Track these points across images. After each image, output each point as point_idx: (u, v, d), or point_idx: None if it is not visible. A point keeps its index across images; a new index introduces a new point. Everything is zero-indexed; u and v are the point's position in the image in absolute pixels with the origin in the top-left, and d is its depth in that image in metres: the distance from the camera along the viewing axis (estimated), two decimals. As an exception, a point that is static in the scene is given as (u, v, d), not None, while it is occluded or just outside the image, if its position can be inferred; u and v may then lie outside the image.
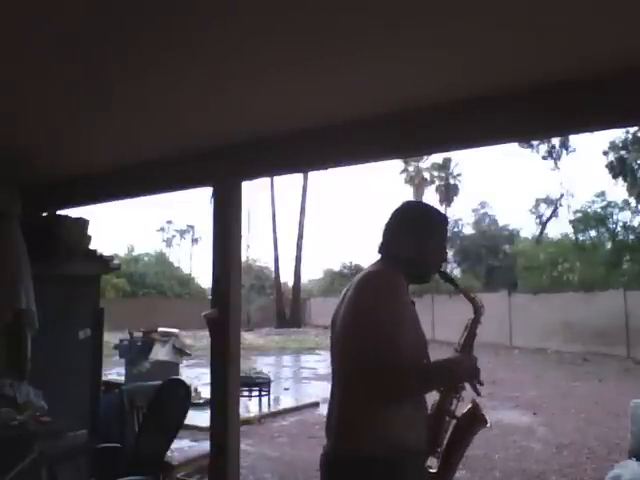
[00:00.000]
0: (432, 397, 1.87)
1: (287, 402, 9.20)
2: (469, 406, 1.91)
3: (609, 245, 21.49)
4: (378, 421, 1.67)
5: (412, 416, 1.73)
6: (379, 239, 1.92)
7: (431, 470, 1.83)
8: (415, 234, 1.85)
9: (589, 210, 22.32)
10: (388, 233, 1.90)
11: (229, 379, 2.77)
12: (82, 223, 3.87)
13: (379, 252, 1.90)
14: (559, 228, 47.10)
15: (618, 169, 20.86)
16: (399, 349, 1.63)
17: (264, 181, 30.99)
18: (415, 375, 1.68)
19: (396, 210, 1.93)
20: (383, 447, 1.66)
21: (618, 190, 30.52)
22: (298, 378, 12.03)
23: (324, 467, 1.78)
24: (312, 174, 29.77)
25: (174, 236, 55.97)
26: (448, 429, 1.85)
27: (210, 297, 2.95)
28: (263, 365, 13.08)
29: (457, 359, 1.87)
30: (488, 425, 1.89)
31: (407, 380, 1.66)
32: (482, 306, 1.96)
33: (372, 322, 1.67)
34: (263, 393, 8.33)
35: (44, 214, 3.87)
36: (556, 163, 27.95)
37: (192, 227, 54.53)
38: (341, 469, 1.73)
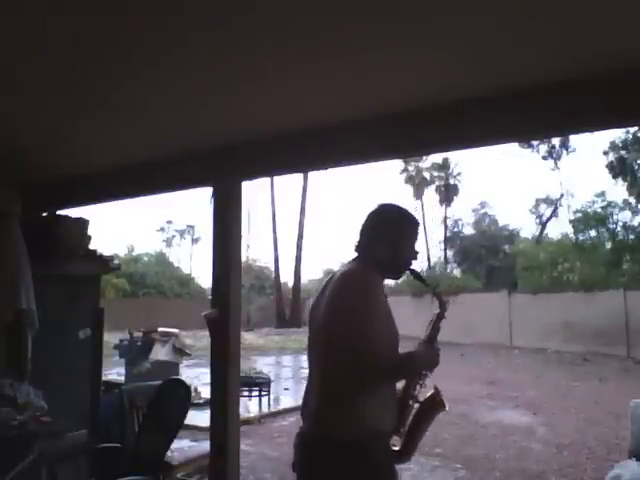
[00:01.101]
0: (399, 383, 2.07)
1: (287, 402, 9.19)
2: (431, 392, 2.10)
3: (609, 245, 21.49)
4: (354, 406, 1.84)
5: (386, 401, 1.92)
6: (356, 239, 2.09)
7: (394, 448, 2.03)
8: (388, 235, 2.02)
9: (589, 210, 22.32)
10: (364, 234, 2.07)
11: (229, 379, 2.77)
12: (82, 223, 3.87)
13: (355, 251, 2.07)
14: (559, 228, 47.10)
15: (618, 169, 20.86)
16: (372, 342, 1.81)
17: (264, 181, 31.01)
18: (387, 365, 1.86)
19: (371, 212, 2.10)
20: (358, 430, 1.84)
21: (618, 190, 30.58)
22: (298, 378, 12.02)
23: (299, 447, 1.95)
24: (312, 174, 29.78)
25: (174, 236, 55.99)
26: (411, 412, 2.07)
27: (210, 297, 2.95)
28: (263, 365, 13.09)
29: (421, 352, 2.02)
30: (447, 409, 2.08)
31: (379, 370, 1.84)
32: (447, 302, 2.15)
33: (349, 317, 1.84)
34: (263, 393, 8.33)
35: (44, 214, 3.87)
36: (556, 163, 27.98)
37: (192, 227, 54.56)
38: (317, 450, 1.89)
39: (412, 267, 2.12)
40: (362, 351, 1.79)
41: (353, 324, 1.81)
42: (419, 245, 2.12)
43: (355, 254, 2.07)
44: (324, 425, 1.90)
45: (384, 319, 1.91)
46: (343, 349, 1.83)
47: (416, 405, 2.06)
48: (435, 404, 2.08)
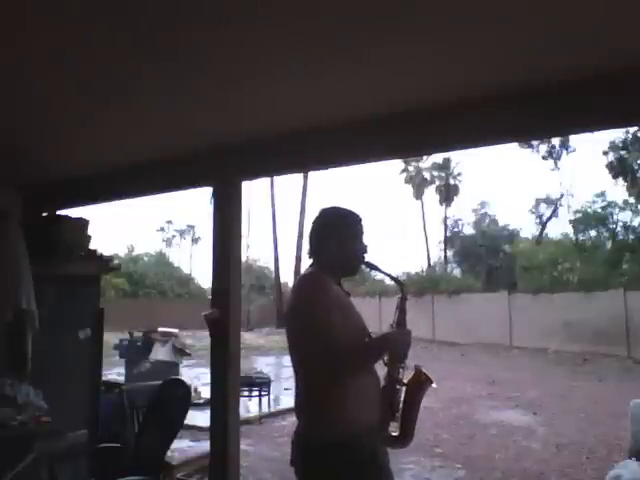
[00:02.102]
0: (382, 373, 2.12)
1: (287, 402, 9.17)
2: (413, 372, 2.16)
3: (609, 245, 21.48)
4: (332, 405, 1.91)
5: (366, 395, 1.97)
6: (307, 246, 2.20)
7: (393, 433, 2.08)
8: (332, 237, 2.11)
9: (589, 210, 22.31)
10: (311, 239, 2.18)
11: (229, 379, 2.77)
12: (82, 223, 3.87)
13: (309, 257, 2.18)
14: (559, 228, 47.11)
15: (618, 169, 20.84)
16: (331, 335, 1.89)
17: (264, 181, 31.03)
18: (350, 354, 1.93)
19: (315, 219, 2.20)
20: (338, 430, 1.90)
21: (618, 190, 30.58)
22: (298, 378, 11.99)
23: (293, 445, 2.03)
24: (312, 174, 29.77)
25: (174, 236, 56.03)
26: (401, 395, 2.11)
27: (210, 297, 2.95)
28: (263, 365, 13.08)
29: (391, 334, 2.11)
30: (434, 385, 2.14)
31: (345, 356, 1.90)
32: (405, 284, 2.30)
33: (303, 316, 1.98)
34: (263, 393, 8.32)
35: (44, 214, 3.86)
36: (556, 163, 27.94)
37: (192, 227, 54.60)
38: (304, 450, 1.98)
39: (366, 260, 2.18)
40: (323, 343, 1.88)
41: (308, 321, 1.94)
42: (366, 239, 2.18)
43: (310, 261, 2.17)
44: (307, 426, 1.99)
45: (341, 312, 1.98)
46: (306, 347, 1.95)
47: (403, 388, 2.12)
48: (421, 381, 2.15)
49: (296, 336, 2.03)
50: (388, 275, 2.38)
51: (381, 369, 2.08)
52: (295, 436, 2.04)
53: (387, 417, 2.05)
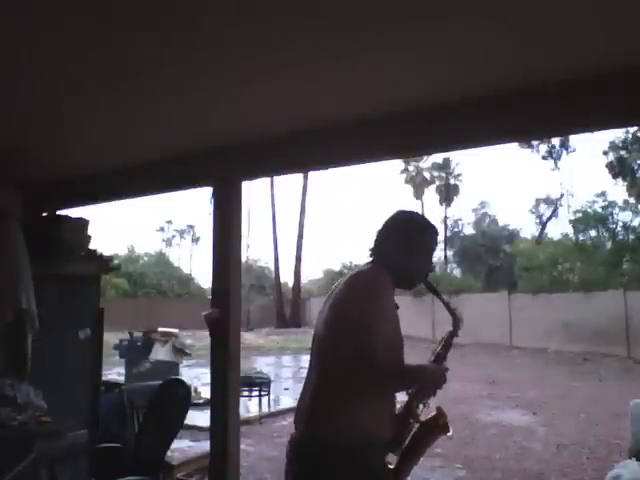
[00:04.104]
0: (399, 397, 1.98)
1: (287, 402, 9.18)
2: (434, 413, 1.98)
3: (609, 245, 21.48)
4: (351, 409, 1.76)
5: (384, 412, 1.84)
6: (371, 243, 2.02)
7: (389, 466, 1.92)
8: (403, 244, 1.94)
9: (589, 210, 22.32)
10: (379, 239, 2.00)
11: (229, 379, 2.77)
12: (82, 223, 3.86)
13: (370, 256, 2.00)
14: (559, 228, 47.16)
15: (618, 169, 20.85)
16: (377, 343, 1.72)
17: (264, 181, 31.04)
18: (390, 369, 1.78)
19: (389, 218, 2.02)
20: (352, 435, 1.76)
21: (618, 190, 30.59)
22: (298, 378, 12.00)
23: (290, 453, 1.86)
24: (312, 174, 29.78)
25: (174, 236, 56.08)
26: (411, 431, 1.94)
27: (210, 297, 2.95)
28: (263, 365, 13.09)
29: (430, 368, 1.96)
30: (449, 434, 1.97)
31: (381, 372, 1.75)
32: (461, 320, 2.06)
33: (357, 316, 1.76)
34: (263, 393, 8.32)
35: (44, 214, 3.86)
36: (556, 163, 27.97)
37: (192, 227, 54.63)
38: (308, 454, 1.81)
39: (429, 280, 2.04)
40: (366, 351, 1.72)
41: (360, 323, 1.74)
42: (435, 258, 2.03)
43: (370, 258, 2.00)
44: (317, 427, 1.82)
45: (391, 324, 1.84)
46: (347, 347, 1.75)
47: (417, 425, 1.94)
48: (437, 427, 1.96)
49: (337, 334, 1.82)
50: (445, 304, 2.10)
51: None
52: (292, 444, 1.87)
53: (388, 447, 1.89)
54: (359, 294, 1.82)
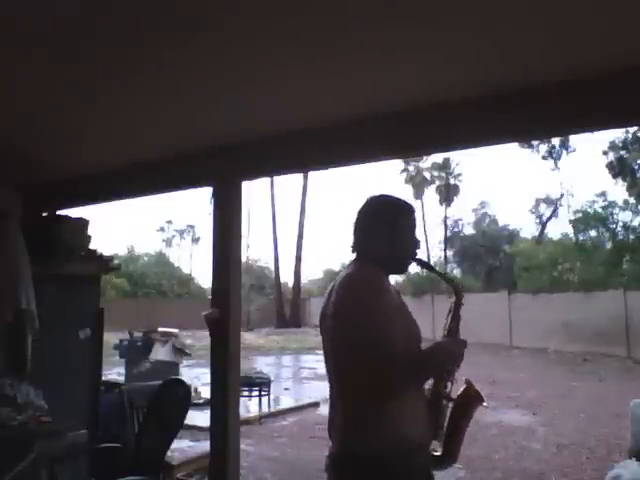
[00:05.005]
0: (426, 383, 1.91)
1: (287, 402, 9.20)
2: (464, 386, 1.93)
3: (609, 245, 21.47)
4: (379, 418, 1.69)
5: (413, 410, 1.75)
6: (350, 239, 1.92)
7: (435, 453, 1.86)
8: (383, 229, 1.84)
9: (589, 210, 22.31)
10: (357, 231, 1.90)
11: (229, 379, 2.77)
12: (82, 223, 3.86)
13: (353, 252, 1.91)
14: (559, 228, 47.17)
15: (618, 169, 20.84)
16: (384, 340, 1.66)
17: (264, 181, 31.05)
18: (406, 360, 1.70)
19: (362, 207, 1.92)
20: (384, 444, 1.68)
21: (618, 190, 30.58)
22: (298, 378, 12.01)
23: (329, 468, 1.79)
24: (312, 174, 29.78)
25: (174, 236, 56.14)
26: (446, 412, 1.88)
27: (210, 297, 2.95)
28: (263, 365, 13.08)
29: (443, 343, 1.87)
30: (485, 404, 1.92)
31: (398, 367, 1.67)
32: (462, 288, 1.99)
33: (355, 322, 1.70)
34: (263, 393, 8.32)
35: (44, 214, 3.86)
36: (556, 163, 27.97)
37: (192, 227, 54.67)
38: (344, 468, 1.74)
39: (418, 257, 1.94)
40: (376, 352, 1.65)
41: (361, 328, 1.68)
42: (418, 234, 1.92)
43: (354, 255, 1.91)
44: (346, 439, 1.75)
45: (395, 315, 1.76)
46: (357, 355, 1.68)
47: (450, 404, 1.88)
48: (471, 398, 1.91)
49: (340, 342, 1.75)
50: (442, 276, 2.08)
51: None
52: (330, 458, 1.78)
53: (429, 435, 1.83)
54: (351, 299, 1.75)
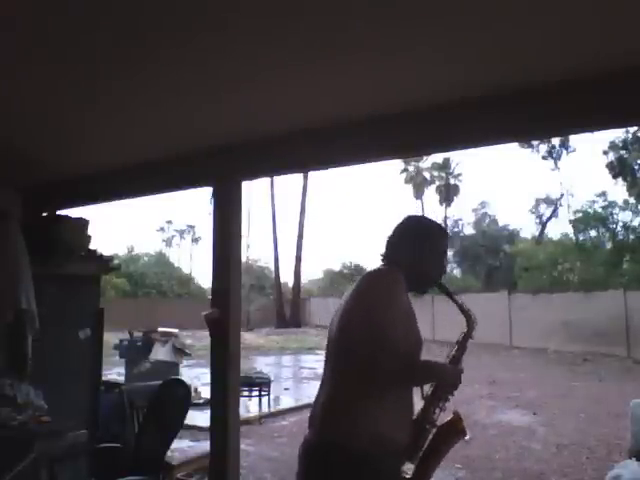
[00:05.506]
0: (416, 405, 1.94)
1: (287, 402, 9.20)
2: (451, 417, 1.96)
3: (609, 245, 21.47)
4: (366, 412, 1.74)
5: (401, 416, 1.81)
6: (382, 251, 2.02)
7: (406, 476, 1.89)
8: (415, 250, 1.95)
9: (589, 210, 22.31)
10: (390, 246, 2.01)
11: (229, 379, 2.77)
12: (82, 223, 3.86)
13: (382, 261, 2.01)
14: (559, 228, 47.18)
15: (618, 169, 20.84)
16: (392, 338, 1.73)
17: (264, 181, 31.05)
18: (406, 363, 1.77)
19: (399, 224, 2.04)
20: (367, 441, 1.73)
21: (618, 190, 30.58)
22: (298, 378, 12.01)
23: (302, 456, 1.84)
24: (312, 174, 29.78)
25: (174, 236, 56.17)
26: (428, 437, 1.91)
27: (210, 297, 2.95)
28: (263, 365, 13.08)
29: (446, 367, 1.95)
30: (467, 438, 1.96)
31: (397, 366, 1.74)
32: (475, 321, 2.07)
33: (371, 312, 1.77)
34: (263, 393, 8.32)
35: (44, 214, 3.86)
36: (556, 163, 27.95)
37: (192, 227, 54.68)
38: (320, 459, 1.79)
39: (441, 282, 2.04)
40: (381, 346, 1.72)
41: (374, 319, 1.75)
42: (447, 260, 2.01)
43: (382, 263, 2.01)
44: (328, 429, 1.80)
45: (406, 320, 1.84)
46: (362, 343, 1.74)
47: (434, 430, 1.93)
48: (454, 431, 1.94)
49: (351, 328, 1.81)
50: (458, 305, 2.10)
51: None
52: (305, 445, 1.84)
53: (404, 454, 1.86)
54: (373, 290, 1.84)
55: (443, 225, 2.09)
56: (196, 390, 7.80)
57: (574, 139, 26.51)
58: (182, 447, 4.89)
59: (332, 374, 1.87)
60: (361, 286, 1.87)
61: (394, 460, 1.81)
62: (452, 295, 2.10)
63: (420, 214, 2.30)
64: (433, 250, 1.99)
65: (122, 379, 8.47)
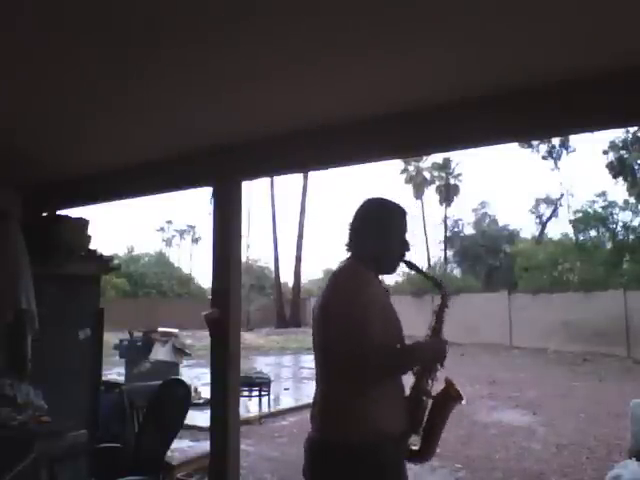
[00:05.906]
0: (408, 380, 1.99)
1: (287, 402, 9.19)
2: (444, 385, 2.01)
3: (609, 245, 21.47)
4: (357, 407, 1.79)
5: (392, 402, 1.86)
6: (345, 238, 2.04)
7: (413, 447, 1.96)
8: (375, 230, 1.97)
9: (589, 210, 22.31)
10: (352, 232, 2.02)
11: (229, 379, 2.77)
12: (82, 223, 3.87)
13: (347, 251, 2.03)
14: (559, 228, 47.12)
15: (618, 169, 20.83)
16: (367, 334, 1.75)
17: (264, 181, 31.05)
18: (384, 358, 1.80)
19: (358, 209, 2.04)
20: (362, 433, 1.78)
21: (618, 190, 30.60)
22: (298, 378, 12.00)
23: (306, 452, 1.90)
24: (312, 174, 29.77)
25: (174, 236, 56.12)
26: (426, 408, 1.96)
27: (210, 297, 2.95)
28: (263, 365, 13.07)
29: (427, 343, 1.99)
30: (463, 402, 1.99)
31: (379, 361, 1.77)
32: (448, 292, 2.08)
33: (341, 314, 1.81)
34: (263, 393, 8.32)
35: (44, 214, 3.87)
36: (556, 163, 27.93)
37: (192, 227, 54.66)
38: (320, 455, 1.86)
39: (407, 259, 2.05)
40: (358, 344, 1.75)
41: (346, 320, 1.79)
42: (411, 237, 2.04)
43: (348, 254, 2.03)
44: (326, 428, 1.86)
45: (381, 312, 1.86)
46: (340, 345, 1.80)
47: (430, 401, 1.97)
48: (450, 396, 1.98)
49: (327, 333, 1.87)
50: (429, 277, 2.18)
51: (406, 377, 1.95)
52: (308, 442, 1.90)
53: (409, 429, 1.92)
54: (341, 291, 1.87)
55: (399, 203, 2.06)
56: (196, 390, 7.80)
57: (574, 139, 26.51)
58: (182, 447, 4.88)
59: (321, 376, 1.93)
60: (330, 289, 1.91)
61: (393, 447, 1.85)
62: (420, 269, 2.16)
63: (376, 196, 2.30)
64: (395, 232, 2.00)
65: (122, 379, 8.47)
